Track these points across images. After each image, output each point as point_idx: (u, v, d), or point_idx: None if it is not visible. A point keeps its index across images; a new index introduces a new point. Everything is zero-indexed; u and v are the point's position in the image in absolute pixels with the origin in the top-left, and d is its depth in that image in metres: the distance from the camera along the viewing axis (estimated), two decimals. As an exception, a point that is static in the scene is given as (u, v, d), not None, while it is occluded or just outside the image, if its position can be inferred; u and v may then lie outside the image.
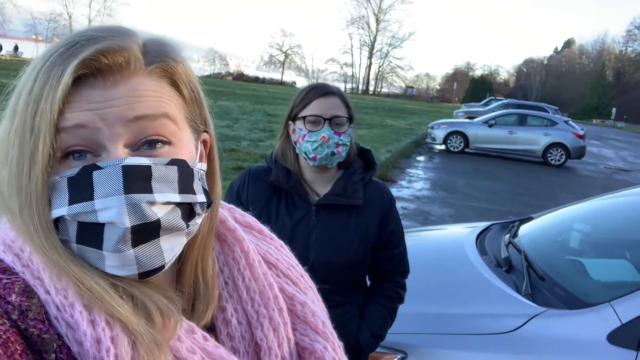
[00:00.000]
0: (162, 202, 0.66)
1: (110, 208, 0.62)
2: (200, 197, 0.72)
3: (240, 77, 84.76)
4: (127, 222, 0.62)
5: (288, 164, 1.97)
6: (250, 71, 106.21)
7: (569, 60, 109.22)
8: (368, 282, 2.14)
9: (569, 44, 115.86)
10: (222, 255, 0.83)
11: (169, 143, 0.69)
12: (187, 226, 0.70)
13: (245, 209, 1.89)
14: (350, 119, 1.94)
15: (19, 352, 0.58)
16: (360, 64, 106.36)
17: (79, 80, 0.65)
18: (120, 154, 0.65)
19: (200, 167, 0.75)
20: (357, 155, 2.06)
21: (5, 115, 0.68)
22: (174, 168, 0.68)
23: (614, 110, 74.19)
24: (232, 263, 0.83)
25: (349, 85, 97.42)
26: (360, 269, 1.99)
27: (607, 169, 18.94)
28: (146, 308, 0.66)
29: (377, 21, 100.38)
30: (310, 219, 1.91)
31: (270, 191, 1.95)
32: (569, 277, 3.12)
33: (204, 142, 0.80)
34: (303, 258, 1.84)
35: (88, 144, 0.65)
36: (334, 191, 1.94)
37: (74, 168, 0.65)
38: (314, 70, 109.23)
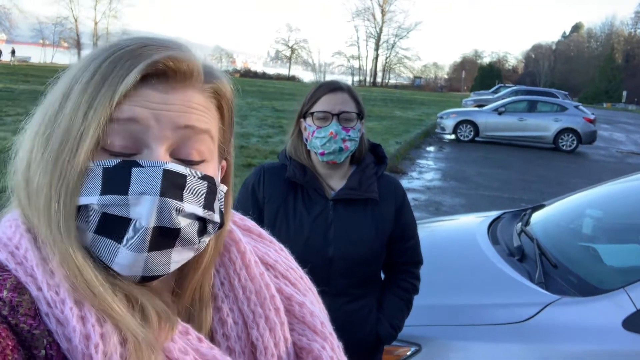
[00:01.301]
0: (188, 213, 0.68)
1: (142, 205, 0.64)
2: (216, 217, 0.74)
3: (247, 73, 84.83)
4: (153, 222, 0.64)
5: (301, 160, 2.00)
6: (258, 67, 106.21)
7: (578, 45, 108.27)
8: (382, 276, 2.16)
9: (577, 28, 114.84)
10: (218, 257, 0.84)
11: (205, 159, 0.73)
12: (198, 242, 0.71)
13: (262, 205, 1.93)
14: (361, 115, 1.95)
15: (10, 347, 0.58)
16: (367, 56, 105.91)
17: (142, 80, 0.68)
18: (162, 156, 0.68)
19: (222, 188, 0.78)
20: (369, 151, 2.08)
21: (53, 96, 0.70)
22: (205, 183, 0.71)
23: (624, 93, 73.57)
24: (228, 263, 0.83)
25: (356, 78, 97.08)
26: (378, 261, 2.02)
27: (619, 153, 18.78)
28: (142, 308, 0.67)
29: (383, 12, 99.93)
30: (328, 213, 1.94)
31: (286, 187, 1.97)
32: (582, 263, 3.10)
33: (222, 169, 0.83)
34: (322, 253, 1.90)
35: (132, 143, 0.67)
36: (349, 185, 1.97)
37: (112, 159, 0.67)
38: (320, 64, 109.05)
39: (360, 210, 1.97)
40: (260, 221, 1.92)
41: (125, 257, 0.65)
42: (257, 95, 31.62)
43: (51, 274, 0.64)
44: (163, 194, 0.65)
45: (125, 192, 0.65)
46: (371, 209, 1.98)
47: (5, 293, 0.63)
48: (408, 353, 2.48)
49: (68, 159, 0.65)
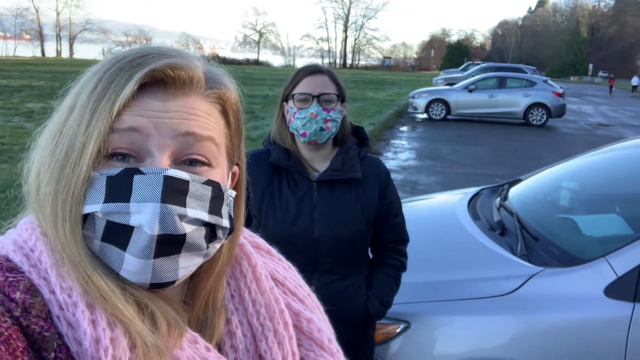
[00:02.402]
0: (192, 218, 0.68)
1: (144, 213, 0.64)
2: (225, 222, 0.74)
3: (215, 59, 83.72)
4: (156, 230, 0.64)
5: (285, 144, 2.02)
6: (226, 53, 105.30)
7: (543, 20, 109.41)
8: (370, 256, 2.20)
9: (542, 3, 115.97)
10: (229, 268, 0.84)
11: (208, 165, 0.73)
12: (207, 247, 0.71)
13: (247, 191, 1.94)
14: (341, 97, 1.99)
15: (20, 349, 0.58)
16: (336, 38, 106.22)
17: (142, 88, 0.69)
18: (164, 164, 0.68)
19: (230, 193, 0.77)
20: (351, 133, 2.11)
21: (60, 109, 0.72)
22: (209, 188, 0.71)
23: (590, 66, 74.69)
24: (239, 276, 0.83)
25: (326, 60, 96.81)
26: (364, 240, 2.06)
27: (588, 125, 19.14)
28: (152, 314, 0.67)
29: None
30: (313, 195, 1.97)
31: (271, 172, 2.00)
32: (562, 235, 3.16)
33: (233, 174, 0.83)
34: (309, 233, 1.94)
35: (135, 149, 0.68)
36: (332, 167, 2.00)
37: (115, 168, 0.67)
38: (289, 48, 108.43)
39: (344, 190, 2.00)
40: (246, 206, 1.94)
41: (131, 264, 0.66)
42: (228, 82, 31.27)
43: (64, 277, 0.65)
44: (164, 200, 0.65)
45: (127, 199, 0.65)
46: (355, 189, 2.01)
47: (18, 295, 0.63)
48: (397, 330, 2.51)
49: (72, 169, 0.66)
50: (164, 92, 0.70)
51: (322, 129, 1.92)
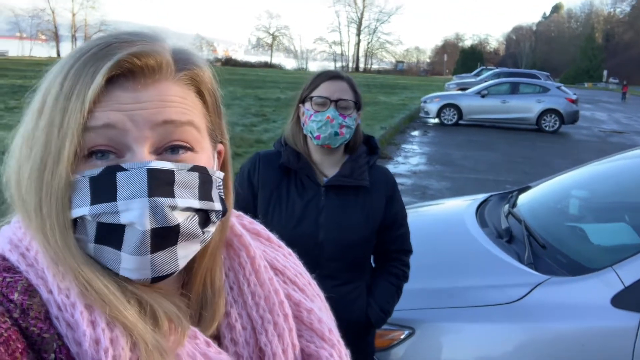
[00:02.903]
0: (183, 207, 0.66)
1: (133, 210, 0.63)
2: (217, 205, 0.72)
3: (229, 62, 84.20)
4: (148, 225, 0.63)
5: (297, 146, 2.04)
6: (239, 55, 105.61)
7: (558, 25, 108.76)
8: (373, 264, 2.21)
9: (557, 8, 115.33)
10: (228, 260, 0.83)
11: (191, 150, 0.70)
12: (203, 233, 0.70)
13: (256, 191, 1.96)
14: (358, 105, 2.01)
15: (19, 350, 0.58)
16: (349, 42, 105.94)
17: (110, 81, 0.66)
18: (146, 157, 0.66)
19: (218, 175, 0.76)
20: (362, 141, 2.13)
21: (30, 113, 0.69)
22: (195, 174, 0.69)
23: (605, 72, 74.12)
24: (238, 268, 0.82)
25: (339, 64, 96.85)
26: (367, 247, 2.07)
27: (601, 132, 18.97)
28: (154, 314, 0.66)
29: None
30: (320, 199, 1.99)
31: (280, 174, 2.02)
32: (570, 243, 3.14)
33: (219, 153, 0.81)
34: (313, 236, 1.95)
35: (114, 145, 0.66)
36: (342, 173, 2.02)
37: (96, 168, 0.65)
38: (302, 51, 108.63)
39: (351, 197, 2.01)
40: (254, 206, 1.99)
41: (129, 262, 0.65)
42: (240, 84, 31.42)
43: (62, 277, 0.64)
44: (152, 194, 0.63)
45: (113, 198, 0.64)
46: (362, 196, 2.03)
47: (16, 295, 0.62)
48: (402, 336, 2.51)
49: (51, 175, 0.64)
50: (132, 82, 0.67)
51: (336, 134, 1.94)
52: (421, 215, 4.15)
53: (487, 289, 2.67)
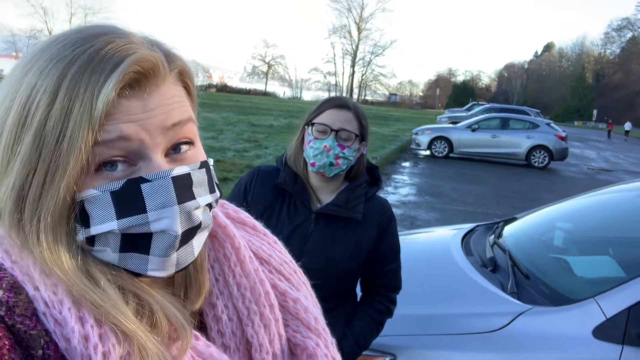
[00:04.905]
0: (202, 205, 0.69)
1: (164, 219, 0.65)
2: (218, 193, 0.75)
3: (224, 88, 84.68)
4: (180, 230, 0.65)
5: (297, 168, 2.00)
6: (234, 82, 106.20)
7: (549, 64, 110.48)
8: (358, 293, 2.15)
9: (548, 47, 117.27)
10: (213, 252, 0.83)
11: (192, 144, 0.72)
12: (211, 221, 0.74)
13: (249, 205, 1.93)
14: (361, 137, 1.96)
15: (7, 347, 0.58)
16: (343, 73, 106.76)
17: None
18: (161, 163, 0.66)
19: (211, 162, 0.76)
20: (365, 171, 2.08)
21: (4, 126, 0.63)
22: (203, 171, 0.71)
23: (594, 112, 75.12)
24: (223, 259, 0.82)
25: (332, 94, 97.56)
26: (351, 279, 2.02)
27: (590, 170, 19.15)
28: (152, 316, 0.67)
29: (359, 30, 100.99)
30: (309, 225, 1.94)
31: (275, 193, 1.98)
32: (554, 274, 3.15)
33: None
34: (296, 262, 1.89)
35: (127, 155, 0.65)
36: (335, 202, 1.97)
37: (113, 181, 0.64)
38: (297, 80, 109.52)
39: (340, 227, 1.96)
40: None
41: (156, 263, 0.67)
42: (234, 110, 31.60)
43: (48, 274, 0.63)
44: (181, 201, 0.65)
45: (143, 210, 0.64)
46: (352, 228, 1.97)
47: (1, 293, 0.62)
48: (383, 362, 2.49)
49: (40, 193, 0.62)
50: (138, 90, 0.65)
51: (331, 164, 1.90)
52: (407, 243, 4.14)
53: (469, 317, 2.66)
